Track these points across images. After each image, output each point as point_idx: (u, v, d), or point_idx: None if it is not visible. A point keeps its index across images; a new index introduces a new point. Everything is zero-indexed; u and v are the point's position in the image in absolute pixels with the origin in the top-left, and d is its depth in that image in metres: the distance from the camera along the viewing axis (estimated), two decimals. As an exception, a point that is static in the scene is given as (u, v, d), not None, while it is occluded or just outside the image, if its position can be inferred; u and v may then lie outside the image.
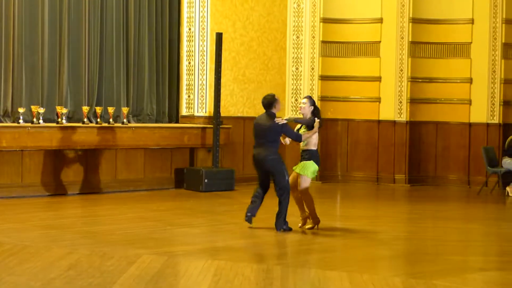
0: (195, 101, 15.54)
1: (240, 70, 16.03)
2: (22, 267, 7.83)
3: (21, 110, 13.22)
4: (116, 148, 14.14)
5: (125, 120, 14.38)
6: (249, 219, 10.42)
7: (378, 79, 16.75)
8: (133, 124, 14.59)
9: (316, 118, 10.36)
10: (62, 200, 13.05)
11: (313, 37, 16.75)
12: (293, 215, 10.54)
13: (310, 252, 9.34)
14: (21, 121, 13.14)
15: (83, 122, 13.84)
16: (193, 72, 15.55)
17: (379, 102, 16.75)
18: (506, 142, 15.31)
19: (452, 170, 16.67)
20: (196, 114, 15.51)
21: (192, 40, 15.52)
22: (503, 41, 16.28)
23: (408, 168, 16.58)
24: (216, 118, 14.74)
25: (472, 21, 16.46)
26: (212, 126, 14.89)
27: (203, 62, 15.48)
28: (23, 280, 7.30)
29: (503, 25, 16.27)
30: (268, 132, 10.30)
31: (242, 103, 16.03)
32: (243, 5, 16.00)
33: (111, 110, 14.19)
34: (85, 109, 13.97)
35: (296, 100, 16.78)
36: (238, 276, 7.66)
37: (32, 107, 13.33)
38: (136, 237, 9.69)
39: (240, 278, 7.58)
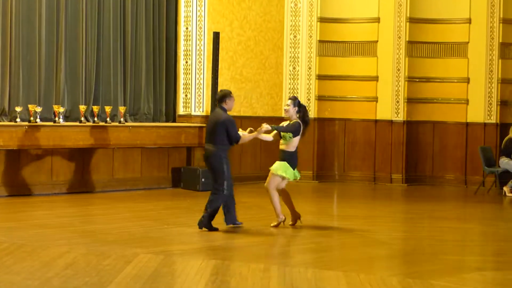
0: (192, 100, 15.54)
1: (237, 70, 16.03)
2: (19, 266, 7.82)
3: (18, 109, 13.20)
4: (113, 147, 14.14)
5: (122, 119, 14.37)
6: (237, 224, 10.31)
7: (375, 78, 16.76)
8: (130, 123, 14.59)
9: (294, 121, 10.32)
10: (59, 199, 13.04)
11: (310, 36, 16.75)
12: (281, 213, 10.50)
13: (307, 252, 9.34)
14: (18, 120, 13.12)
15: (80, 121, 13.83)
16: (190, 71, 15.55)
17: (376, 101, 16.76)
18: (503, 142, 15.33)
19: (449, 169, 16.68)
20: (193, 113, 15.50)
21: (189, 39, 15.51)
22: (500, 41, 16.30)
23: (405, 167, 16.59)
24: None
25: (469, 21, 16.48)
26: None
27: (200, 61, 15.48)
28: (20, 279, 7.30)
29: (501, 24, 16.28)
30: (216, 127, 10.10)
31: (239, 103, 16.01)
32: (240, 4, 16.00)
33: (108, 109, 14.18)
34: (82, 108, 13.95)
35: (293, 99, 16.76)
36: (235, 275, 7.66)
37: (29, 106, 13.31)
38: (133, 236, 9.68)
39: (237, 277, 7.58)
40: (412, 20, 16.55)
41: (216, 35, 14.77)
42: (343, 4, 16.88)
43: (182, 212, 12.08)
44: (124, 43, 14.99)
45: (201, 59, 15.48)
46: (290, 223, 10.67)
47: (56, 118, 13.53)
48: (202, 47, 15.46)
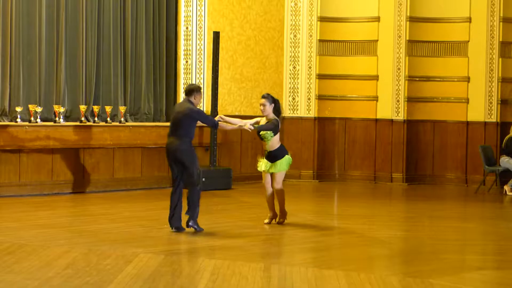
0: (193, 100, 15.51)
1: (237, 69, 16.04)
2: (19, 266, 7.82)
3: (18, 109, 13.21)
4: (113, 147, 14.14)
5: (122, 119, 14.38)
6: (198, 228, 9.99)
7: (376, 77, 16.76)
8: (130, 123, 14.59)
9: (273, 119, 10.30)
10: (59, 199, 13.05)
11: (310, 35, 16.75)
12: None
13: (307, 251, 9.34)
14: (18, 120, 13.13)
15: (81, 121, 13.84)
16: (190, 71, 15.55)
17: (377, 100, 16.76)
18: (504, 141, 15.33)
19: (449, 169, 16.68)
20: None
21: (190, 39, 15.51)
22: (501, 40, 16.29)
23: (405, 167, 16.59)
24: (213, 116, 14.72)
25: (469, 20, 16.47)
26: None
27: (200, 61, 15.48)
28: (20, 279, 7.30)
29: (501, 23, 16.28)
30: (182, 119, 9.80)
31: (239, 102, 16.03)
32: (240, 3, 16.01)
33: (108, 109, 14.19)
34: (83, 108, 13.96)
35: (293, 99, 16.79)
36: (235, 275, 7.66)
37: (30, 106, 13.33)
38: (133, 236, 9.68)
39: (237, 277, 7.58)
40: (412, 19, 16.55)
41: (216, 35, 14.77)
42: (343, 3, 16.88)
43: (182, 212, 12.05)
44: (124, 42, 14.99)
45: (201, 58, 15.48)
46: (266, 221, 10.73)
47: (57, 118, 13.54)
48: (202, 47, 15.46)
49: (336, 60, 16.93)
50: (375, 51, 16.79)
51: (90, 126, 13.80)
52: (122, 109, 14.49)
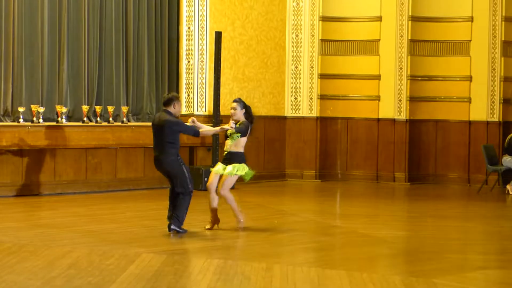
0: (195, 100, 15.54)
1: (239, 69, 16.03)
2: (22, 266, 7.83)
3: (21, 109, 13.22)
4: (115, 147, 14.14)
5: (124, 119, 14.38)
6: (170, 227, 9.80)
7: (378, 77, 16.75)
8: (132, 123, 14.60)
9: (244, 121, 10.04)
10: (62, 199, 13.05)
11: (312, 35, 16.74)
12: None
13: (309, 251, 9.34)
14: (21, 120, 13.14)
15: (83, 121, 13.85)
16: (192, 71, 15.55)
17: (379, 100, 16.75)
18: (506, 140, 15.31)
19: (452, 168, 16.67)
20: (195, 113, 15.51)
21: (192, 39, 15.51)
22: (503, 39, 16.28)
23: (408, 166, 16.57)
24: (215, 117, 14.73)
25: (471, 19, 16.46)
26: (211, 125, 14.87)
27: (202, 61, 15.48)
28: (23, 279, 7.30)
29: (503, 23, 16.26)
30: (164, 130, 9.66)
31: (241, 102, 16.01)
32: (242, 4, 16.00)
33: (110, 109, 14.19)
34: (85, 108, 13.97)
35: (295, 98, 16.79)
36: (237, 275, 7.66)
37: (32, 106, 13.34)
38: (136, 236, 9.69)
39: (240, 277, 7.58)
40: (414, 19, 16.54)
41: (218, 35, 14.77)
42: (345, 3, 16.87)
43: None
44: (126, 43, 15.00)
45: (203, 58, 15.48)
46: (208, 226, 10.20)
47: (59, 118, 13.54)
48: (204, 47, 15.46)
49: (338, 60, 16.92)
50: (377, 51, 16.77)
51: (92, 126, 13.81)
52: (124, 109, 14.50)
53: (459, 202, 14.50)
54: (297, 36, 16.79)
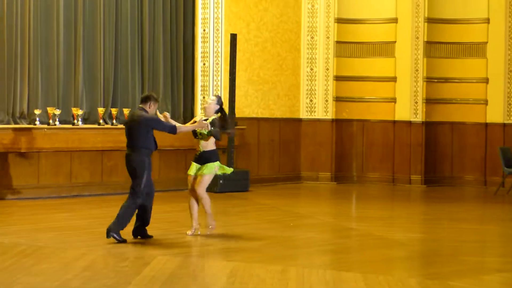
0: (210, 102, 15.53)
1: (254, 71, 16.03)
2: (38, 268, 7.85)
3: (37, 111, 13.28)
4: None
5: (140, 121, 14.39)
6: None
7: (394, 79, 16.70)
8: (148, 125, 14.59)
9: (213, 117, 9.79)
10: (78, 201, 13.08)
11: (328, 37, 16.71)
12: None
13: (325, 253, 9.32)
14: (37, 122, 13.20)
15: (99, 124, 13.89)
16: (207, 73, 15.56)
17: (395, 102, 16.70)
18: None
19: (468, 170, 16.59)
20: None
21: (207, 42, 15.53)
22: (520, 41, 16.20)
23: (424, 168, 16.51)
24: (230, 119, 14.73)
25: (487, 21, 16.38)
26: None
27: (217, 63, 15.49)
28: (39, 281, 7.33)
29: (520, 24, 16.18)
30: (136, 129, 9.34)
31: (256, 104, 16.02)
32: (257, 6, 16.00)
33: (126, 111, 14.21)
34: (101, 110, 14.01)
35: (311, 101, 16.76)
36: (253, 277, 7.64)
37: (48, 108, 13.39)
38: (151, 238, 9.68)
39: (255, 279, 7.57)
40: (430, 21, 16.48)
41: (233, 37, 14.78)
42: (360, 4, 16.84)
43: (200, 214, 12.04)
44: (141, 45, 15.03)
45: (219, 61, 15.49)
46: (189, 232, 9.89)
47: (75, 121, 13.59)
48: (219, 49, 15.47)
49: (353, 62, 16.89)
50: (393, 53, 16.72)
51: (108, 128, 13.84)
52: (139, 111, 14.50)
53: (476, 205, 14.43)
54: (312, 38, 16.76)
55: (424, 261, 9.02)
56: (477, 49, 16.55)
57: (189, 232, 9.87)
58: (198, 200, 9.86)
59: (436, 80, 16.62)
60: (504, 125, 16.30)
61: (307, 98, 16.80)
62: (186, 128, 9.88)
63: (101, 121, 13.94)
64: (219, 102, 10.02)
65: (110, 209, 12.43)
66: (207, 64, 15.58)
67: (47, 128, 13.05)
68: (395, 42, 16.70)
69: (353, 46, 16.92)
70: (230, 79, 14.81)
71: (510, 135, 16.24)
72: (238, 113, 15.27)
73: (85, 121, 13.95)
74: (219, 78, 15.50)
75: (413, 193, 15.71)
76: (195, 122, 10.01)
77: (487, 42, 16.43)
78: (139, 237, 9.53)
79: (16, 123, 13.41)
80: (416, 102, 16.51)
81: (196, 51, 15.64)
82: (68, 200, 13.04)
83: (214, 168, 9.82)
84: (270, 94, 16.23)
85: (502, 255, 9.51)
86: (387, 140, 16.76)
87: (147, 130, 9.35)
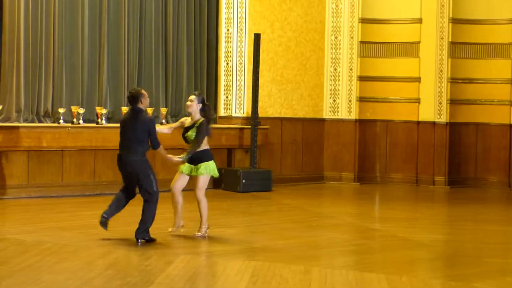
0: (233, 102, 15.56)
1: (278, 71, 16.02)
2: (61, 266, 7.89)
3: (61, 110, 13.36)
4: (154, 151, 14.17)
5: (163, 121, 14.45)
6: (103, 223, 9.27)
7: (418, 79, 16.62)
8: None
9: (199, 122, 9.52)
10: (102, 199, 13.11)
11: (352, 37, 16.67)
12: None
13: (348, 254, 9.29)
14: (61, 121, 13.28)
15: (122, 123, 13.92)
16: (231, 73, 15.57)
17: (419, 103, 16.62)
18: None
19: (492, 171, 16.48)
20: (234, 114, 15.53)
21: (230, 41, 15.54)
22: (545, 41, 16.07)
23: (448, 169, 16.42)
24: (254, 119, 14.74)
25: (513, 21, 16.29)
26: (249, 127, 14.90)
27: (241, 63, 15.50)
28: (62, 279, 7.36)
29: (546, 24, 16.06)
30: (134, 130, 9.16)
31: (280, 104, 16.01)
32: (281, 5, 15.99)
33: (150, 110, 14.25)
34: (124, 109, 14.03)
35: (334, 101, 16.72)
36: (275, 277, 7.64)
37: (72, 107, 13.47)
38: (174, 237, 9.70)
39: (278, 279, 7.56)
40: (455, 21, 16.38)
41: (257, 37, 14.78)
42: (384, 4, 16.78)
43: (223, 213, 12.09)
44: (165, 45, 15.08)
45: (242, 60, 15.50)
46: (170, 229, 9.76)
47: (99, 120, 13.66)
48: (243, 49, 15.48)
49: (377, 62, 16.83)
50: (417, 53, 16.65)
51: (131, 127, 13.87)
52: (163, 110, 14.56)
53: (500, 206, 14.33)
54: (336, 38, 16.72)
55: (448, 263, 8.97)
56: (502, 50, 16.44)
57: (171, 229, 9.69)
58: (182, 196, 9.61)
59: (460, 81, 16.52)
60: (529, 126, 16.19)
61: (330, 98, 16.77)
62: (163, 152, 9.55)
63: (124, 120, 13.98)
64: (199, 99, 9.64)
65: (134, 207, 12.47)
66: (230, 63, 15.59)
67: (71, 127, 13.12)
68: (419, 42, 16.62)
69: (377, 46, 16.85)
70: (253, 79, 14.82)
71: (535, 136, 16.12)
72: (261, 113, 15.27)
73: (109, 120, 14.01)
74: (242, 77, 15.51)
75: (436, 194, 15.62)
76: (182, 123, 9.84)
77: (512, 43, 16.34)
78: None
79: (40, 121, 13.50)
80: (440, 103, 16.42)
81: (219, 51, 15.67)
82: (92, 198, 13.10)
83: (209, 168, 9.56)
84: (294, 94, 16.21)
85: (527, 257, 9.45)
86: (411, 140, 16.68)
87: (144, 131, 9.18)
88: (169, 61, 15.12)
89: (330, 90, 16.78)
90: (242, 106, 15.51)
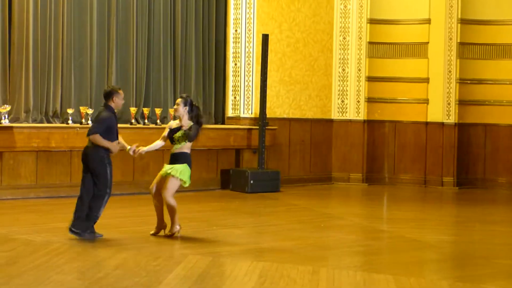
0: (241, 102, 15.57)
1: (286, 71, 16.02)
2: (70, 266, 7.91)
3: (70, 111, 13.39)
4: (163, 149, 14.16)
5: (172, 121, 14.44)
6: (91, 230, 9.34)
7: (426, 80, 16.59)
8: (179, 125, 14.66)
9: (190, 126, 9.48)
10: (110, 200, 13.09)
11: (360, 38, 16.65)
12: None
13: (356, 255, 9.28)
14: (70, 121, 13.31)
15: (131, 123, 13.96)
16: (239, 73, 15.58)
17: (427, 103, 16.60)
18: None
19: (501, 172, 16.44)
20: (242, 115, 15.54)
21: (239, 42, 15.55)
22: (555, 42, 16.03)
23: (456, 170, 16.39)
24: (262, 119, 14.75)
25: (522, 22, 16.26)
26: (257, 127, 14.90)
27: (249, 64, 15.50)
28: (71, 279, 7.38)
29: (555, 25, 16.03)
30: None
31: (288, 105, 16.01)
32: (290, 6, 15.99)
33: (158, 111, 14.29)
34: (133, 110, 14.09)
35: (342, 101, 16.71)
36: (283, 277, 7.64)
37: (81, 108, 13.49)
38: (182, 237, 9.71)
39: (286, 279, 7.56)
40: (464, 21, 16.35)
41: (265, 37, 14.79)
42: (393, 5, 16.76)
43: (230, 214, 12.10)
44: (174, 45, 15.10)
45: (250, 61, 15.50)
46: (152, 232, 9.69)
47: (107, 120, 13.66)
48: (251, 49, 15.49)
49: (386, 63, 16.81)
50: (425, 54, 16.62)
51: (140, 128, 13.91)
52: (171, 111, 14.56)
53: (508, 207, 14.29)
54: (344, 38, 16.71)
55: (456, 264, 8.96)
56: (510, 51, 16.40)
57: (152, 232, 9.67)
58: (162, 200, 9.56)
59: (469, 82, 16.48)
60: (538, 127, 16.15)
61: (338, 98, 16.76)
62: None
63: (133, 120, 14.02)
64: (186, 102, 9.57)
65: (142, 208, 12.52)
66: (238, 64, 15.60)
67: (79, 127, 13.15)
68: (428, 43, 16.59)
69: (386, 47, 16.84)
70: (261, 79, 14.82)
71: (544, 137, 16.09)
72: (270, 114, 15.27)
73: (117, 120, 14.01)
74: (250, 78, 15.51)
75: (445, 195, 15.60)
76: (170, 128, 9.78)
77: (521, 43, 16.30)
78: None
79: (49, 122, 13.53)
80: (449, 104, 16.40)
81: (228, 51, 15.68)
82: (100, 199, 13.10)
83: (180, 171, 9.44)
84: (302, 95, 16.21)
85: (536, 259, 9.42)
86: (419, 141, 16.66)
87: (106, 129, 9.32)
88: (177, 62, 15.14)
89: (339, 90, 16.77)
90: (250, 106, 15.51)
